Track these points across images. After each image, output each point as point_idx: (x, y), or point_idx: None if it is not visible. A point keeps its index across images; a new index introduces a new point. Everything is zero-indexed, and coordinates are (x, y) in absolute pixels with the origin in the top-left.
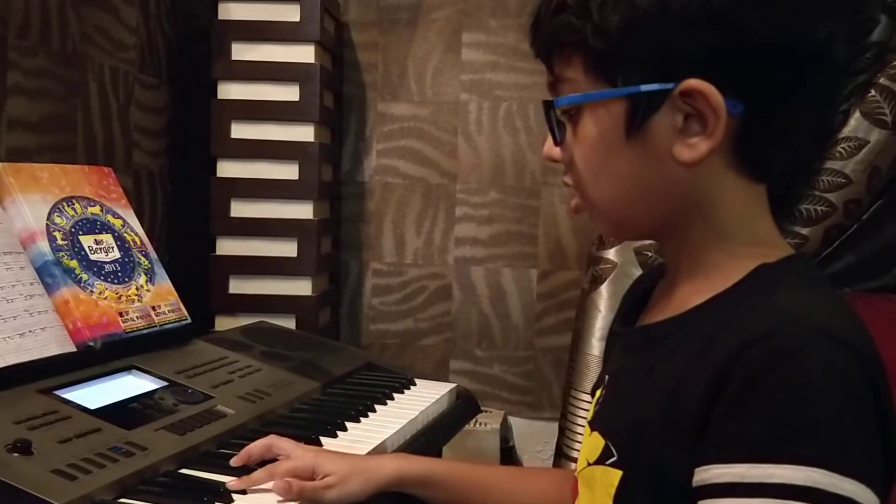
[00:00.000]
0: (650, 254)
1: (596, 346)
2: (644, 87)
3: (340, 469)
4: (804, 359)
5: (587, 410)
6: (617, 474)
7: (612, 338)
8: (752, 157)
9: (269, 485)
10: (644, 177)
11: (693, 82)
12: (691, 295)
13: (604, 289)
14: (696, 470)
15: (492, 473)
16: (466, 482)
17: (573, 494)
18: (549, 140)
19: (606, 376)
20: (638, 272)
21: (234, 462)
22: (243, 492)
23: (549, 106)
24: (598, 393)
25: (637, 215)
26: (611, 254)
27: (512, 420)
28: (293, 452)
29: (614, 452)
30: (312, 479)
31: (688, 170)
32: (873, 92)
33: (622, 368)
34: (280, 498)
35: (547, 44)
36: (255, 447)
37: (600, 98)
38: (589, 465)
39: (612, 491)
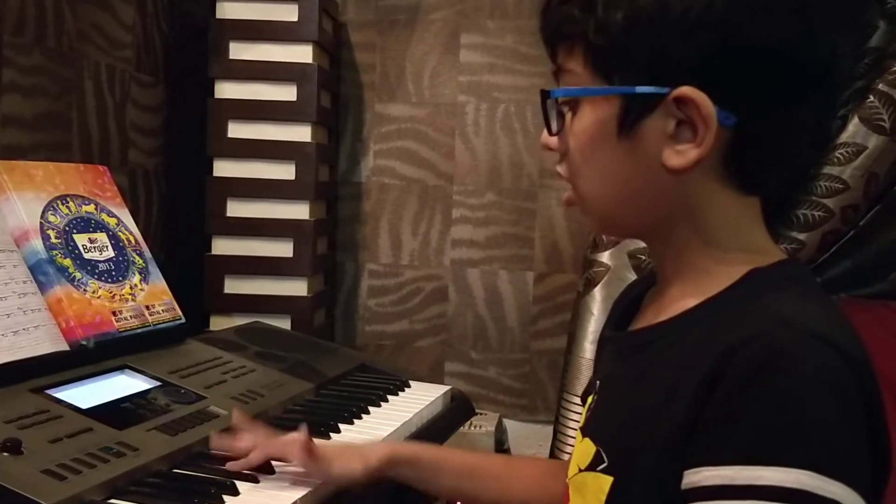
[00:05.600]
0: (644, 257)
1: (589, 349)
2: (639, 89)
3: (335, 452)
4: (794, 361)
5: (580, 414)
6: (608, 480)
7: (602, 343)
8: (741, 171)
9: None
10: (631, 177)
11: (686, 90)
12: (681, 299)
13: (597, 292)
14: (686, 472)
15: (481, 461)
16: (456, 469)
17: (564, 501)
18: (546, 131)
19: (597, 382)
20: (632, 275)
21: (231, 465)
22: (232, 488)
23: (546, 95)
24: (589, 399)
25: (623, 214)
26: (604, 257)
27: (507, 423)
28: (283, 440)
29: (605, 458)
30: None
31: (675, 176)
32: (872, 98)
33: (613, 374)
34: (273, 491)
35: (552, 32)
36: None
37: (595, 94)
38: (580, 471)
39: (603, 497)
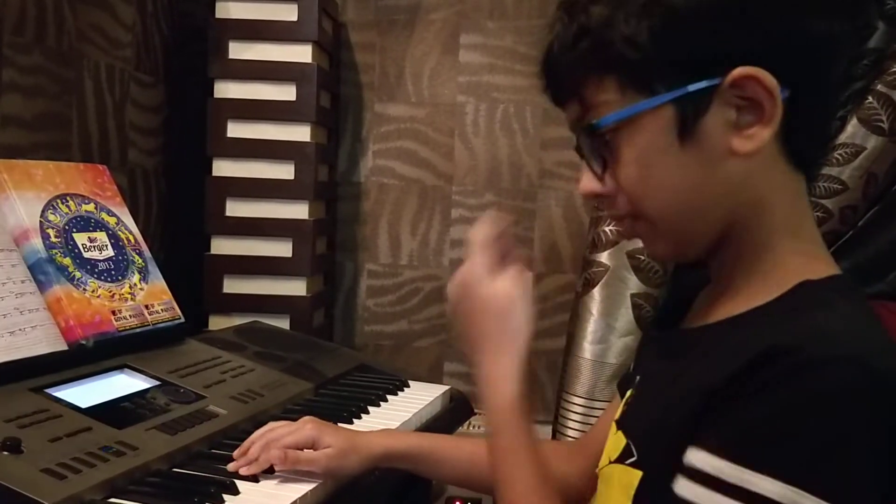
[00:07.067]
0: (643, 257)
1: (588, 349)
2: (691, 87)
3: (338, 443)
4: (822, 378)
5: (579, 414)
6: (637, 475)
7: (646, 339)
8: (798, 143)
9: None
10: (704, 181)
11: (742, 70)
12: (731, 303)
13: (596, 292)
14: (689, 447)
15: (476, 448)
16: (451, 458)
17: (591, 491)
18: (586, 177)
19: (637, 377)
20: (631, 276)
21: (232, 467)
22: (232, 487)
23: (586, 137)
24: (628, 393)
25: (702, 224)
26: (603, 257)
27: None
28: (292, 430)
29: (634, 452)
30: (313, 450)
31: (747, 163)
32: (871, 98)
33: (654, 371)
34: (273, 490)
35: (570, 77)
36: (255, 448)
37: (646, 109)
38: (610, 462)
39: (632, 492)
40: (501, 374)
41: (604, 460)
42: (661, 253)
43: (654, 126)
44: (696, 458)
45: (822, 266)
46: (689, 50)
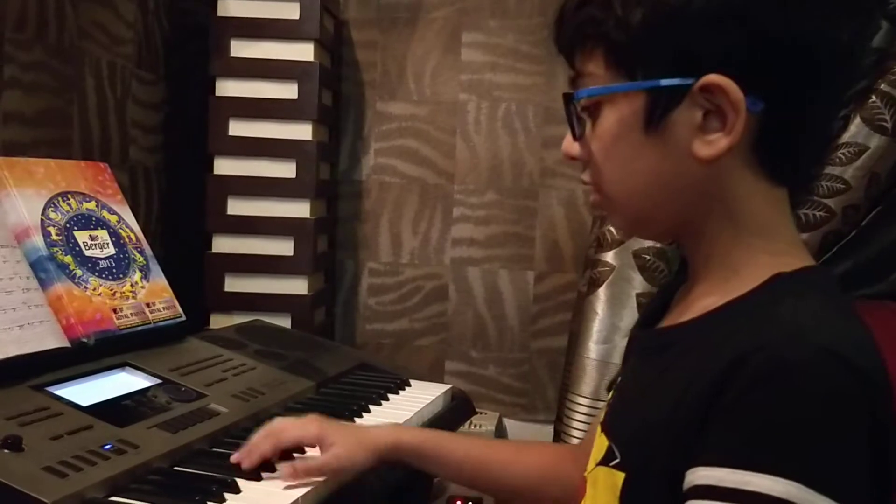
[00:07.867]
0: (648, 257)
1: (593, 349)
2: (664, 82)
3: (345, 441)
4: (800, 374)
5: (583, 414)
6: (620, 476)
7: (630, 341)
8: (771, 158)
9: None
10: (662, 173)
11: (713, 77)
12: (705, 298)
13: (601, 292)
14: (686, 473)
15: (486, 448)
16: (460, 456)
17: (580, 494)
18: (568, 137)
19: (619, 378)
20: (636, 275)
21: (235, 458)
22: (234, 485)
23: (569, 100)
24: (609, 394)
25: (654, 211)
26: (609, 257)
27: (506, 422)
28: (297, 426)
29: (617, 454)
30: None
31: (707, 167)
32: (874, 98)
33: (634, 372)
34: (275, 488)
35: (570, 38)
36: (262, 447)
37: (620, 91)
38: (596, 465)
39: (616, 493)
40: None
41: (590, 464)
42: (617, 226)
43: (626, 109)
44: (695, 476)
45: (796, 261)
46: (671, 45)
